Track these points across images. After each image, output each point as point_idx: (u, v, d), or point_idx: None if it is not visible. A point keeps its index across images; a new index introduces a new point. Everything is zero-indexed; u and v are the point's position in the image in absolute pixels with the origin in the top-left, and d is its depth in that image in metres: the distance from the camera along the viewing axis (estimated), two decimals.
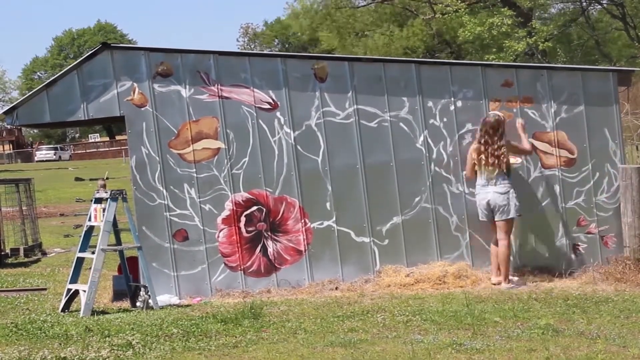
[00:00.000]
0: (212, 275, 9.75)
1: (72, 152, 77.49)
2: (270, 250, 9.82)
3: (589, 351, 6.28)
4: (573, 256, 10.05)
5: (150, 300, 8.97)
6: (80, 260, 9.30)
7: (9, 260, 14.34)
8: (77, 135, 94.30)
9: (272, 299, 9.20)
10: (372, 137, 9.90)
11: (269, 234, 9.82)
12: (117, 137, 79.36)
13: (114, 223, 9.19)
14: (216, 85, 9.80)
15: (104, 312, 8.84)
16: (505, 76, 10.08)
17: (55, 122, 10.12)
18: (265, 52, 59.23)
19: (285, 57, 10.08)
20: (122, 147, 59.91)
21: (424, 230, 9.85)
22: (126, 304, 9.37)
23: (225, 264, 9.78)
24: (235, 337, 7.20)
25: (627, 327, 7.21)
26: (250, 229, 9.82)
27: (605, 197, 10.12)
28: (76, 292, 9.04)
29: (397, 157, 9.90)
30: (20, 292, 10.52)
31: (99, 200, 9.23)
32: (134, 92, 9.76)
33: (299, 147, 9.86)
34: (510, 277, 9.61)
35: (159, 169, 9.74)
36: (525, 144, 9.74)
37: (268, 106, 9.87)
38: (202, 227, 9.75)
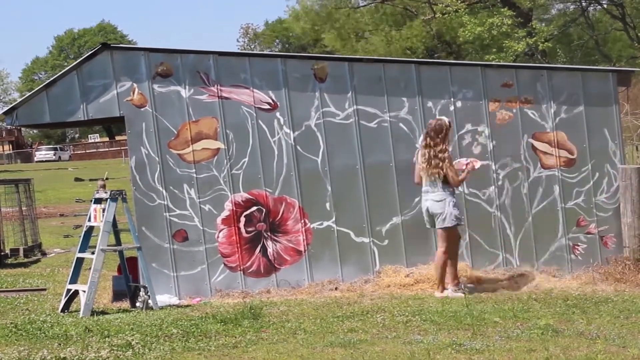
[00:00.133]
0: (212, 275, 9.75)
1: (72, 152, 77.39)
2: (269, 250, 9.81)
3: (588, 351, 6.27)
4: (573, 256, 10.06)
5: (149, 301, 8.97)
6: (79, 261, 9.30)
7: (9, 261, 14.32)
8: (77, 135, 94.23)
9: (272, 299, 9.20)
10: (372, 137, 9.90)
11: (269, 234, 9.82)
12: (117, 138, 79.29)
13: (114, 223, 9.18)
14: (216, 86, 9.80)
15: (103, 313, 8.84)
16: (505, 76, 10.09)
17: (55, 122, 10.12)
18: (265, 52, 59.21)
19: (285, 58, 10.08)
20: (122, 148, 59.86)
21: (424, 230, 9.82)
22: (126, 304, 9.36)
23: (224, 264, 9.78)
24: (235, 337, 7.19)
25: (626, 328, 7.22)
26: (249, 229, 9.81)
27: (605, 197, 10.12)
28: (76, 292, 9.04)
29: (396, 158, 9.90)
30: (20, 293, 10.52)
31: (98, 201, 9.23)
32: (133, 93, 9.76)
33: (298, 148, 9.86)
34: (452, 287, 9.17)
35: (158, 169, 9.73)
36: (456, 177, 9.24)
37: (268, 106, 9.87)
38: (201, 228, 9.75)
